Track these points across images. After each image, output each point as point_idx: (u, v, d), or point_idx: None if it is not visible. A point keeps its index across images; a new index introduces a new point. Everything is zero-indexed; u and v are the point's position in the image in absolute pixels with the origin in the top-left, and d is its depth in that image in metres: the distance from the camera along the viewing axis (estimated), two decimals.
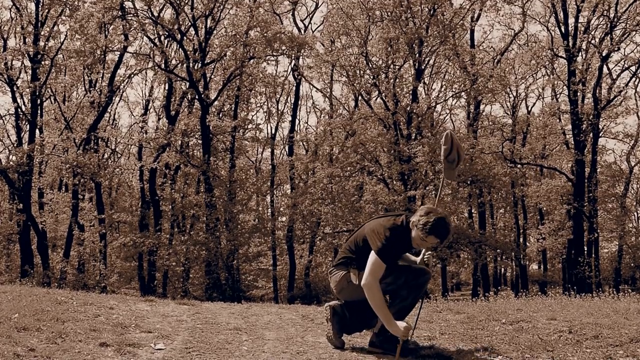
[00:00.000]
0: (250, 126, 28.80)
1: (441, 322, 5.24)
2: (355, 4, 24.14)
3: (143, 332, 4.52)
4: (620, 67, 26.35)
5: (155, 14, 23.63)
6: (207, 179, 24.31)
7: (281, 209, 29.26)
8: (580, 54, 24.96)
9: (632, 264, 30.54)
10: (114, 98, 28.25)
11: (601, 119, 25.86)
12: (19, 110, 25.30)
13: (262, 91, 30.26)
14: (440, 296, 17.58)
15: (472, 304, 7.16)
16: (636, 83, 29.13)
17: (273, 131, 32.31)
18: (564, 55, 25.53)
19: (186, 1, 23.67)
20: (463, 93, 26.22)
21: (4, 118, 31.50)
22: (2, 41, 25.65)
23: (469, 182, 24.68)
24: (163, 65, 25.03)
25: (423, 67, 24.35)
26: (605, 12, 24.52)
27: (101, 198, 26.73)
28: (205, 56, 24.26)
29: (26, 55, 24.31)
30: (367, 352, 4.03)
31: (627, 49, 37.49)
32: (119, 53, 25.19)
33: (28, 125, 24.95)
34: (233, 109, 27.80)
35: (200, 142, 26.18)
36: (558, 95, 30.72)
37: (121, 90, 30.41)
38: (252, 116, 32.25)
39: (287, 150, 31.37)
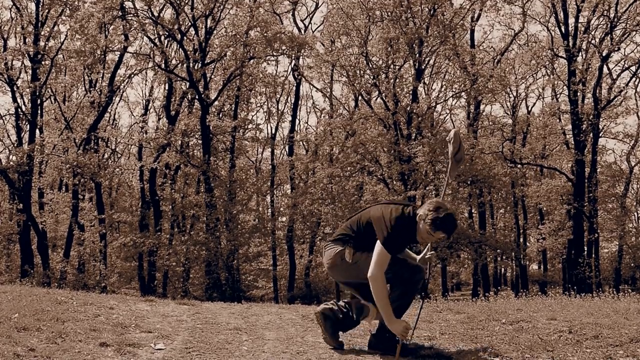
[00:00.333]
0: (250, 126, 28.84)
1: (441, 322, 5.24)
2: (355, 4, 24.14)
3: (143, 332, 4.52)
4: (620, 67, 26.40)
5: (156, 14, 23.64)
6: (207, 179, 24.32)
7: (281, 209, 29.27)
8: (580, 54, 24.96)
9: (632, 264, 30.53)
10: (114, 98, 28.27)
11: (601, 119, 25.87)
12: (19, 110, 25.31)
13: (262, 91, 30.27)
14: (441, 296, 17.60)
15: (472, 304, 7.16)
16: (636, 83, 29.15)
17: (273, 131, 32.36)
18: (564, 55, 25.54)
19: (186, 1, 23.67)
20: (463, 93, 26.23)
21: (4, 118, 31.54)
22: (2, 41, 25.66)
23: (469, 182, 24.68)
24: (163, 65, 25.03)
25: (423, 67, 24.35)
26: (605, 12, 24.53)
27: (101, 198, 26.73)
28: (206, 56, 24.26)
29: (26, 55, 24.32)
30: (366, 353, 4.03)
31: (627, 49, 37.46)
32: (119, 53, 25.21)
33: (28, 125, 24.96)
34: (233, 109, 27.80)
35: (200, 142, 26.18)
36: (558, 95, 30.75)
37: (121, 90, 30.45)
38: (252, 116, 32.31)
39: (287, 150, 31.38)
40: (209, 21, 24.12)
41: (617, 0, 24.03)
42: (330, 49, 26.80)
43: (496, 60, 27.26)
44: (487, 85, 24.14)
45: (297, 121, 31.18)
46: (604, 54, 24.47)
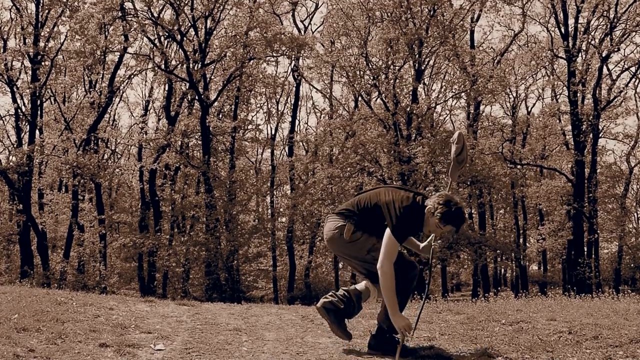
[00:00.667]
0: (250, 127, 28.84)
1: (441, 322, 5.24)
2: (355, 4, 24.13)
3: (143, 333, 4.52)
4: (620, 67, 26.41)
5: (155, 14, 23.64)
6: (207, 180, 24.32)
7: (281, 210, 29.26)
8: (580, 54, 24.97)
9: (632, 265, 30.52)
10: (113, 99, 28.25)
11: (601, 120, 25.88)
12: (19, 110, 25.32)
13: (262, 92, 30.27)
14: (440, 297, 17.57)
15: (472, 305, 7.16)
16: (636, 84, 29.16)
17: (273, 132, 32.36)
18: (563, 56, 25.54)
19: (186, 2, 23.67)
20: (463, 94, 26.21)
21: (4, 118, 31.56)
22: (2, 42, 25.67)
23: (469, 183, 24.68)
24: (163, 66, 25.03)
25: (423, 67, 24.35)
26: (605, 12, 24.54)
27: (101, 199, 26.73)
28: (205, 57, 24.26)
29: (26, 55, 24.32)
30: (366, 354, 4.03)
31: (627, 49, 37.42)
32: (119, 54, 25.20)
33: (28, 126, 24.96)
34: (233, 109, 27.81)
35: (200, 142, 26.18)
36: (558, 96, 30.74)
37: (121, 91, 30.43)
38: (252, 117, 32.32)
39: (287, 150, 31.38)
40: (208, 22, 24.13)
41: (617, 0, 24.04)
42: (330, 49, 26.80)
43: (496, 61, 27.26)
44: (487, 85, 24.14)
45: (297, 122, 31.24)
46: (603, 55, 24.48)
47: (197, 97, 24.63)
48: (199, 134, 25.48)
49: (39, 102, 25.37)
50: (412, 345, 4.09)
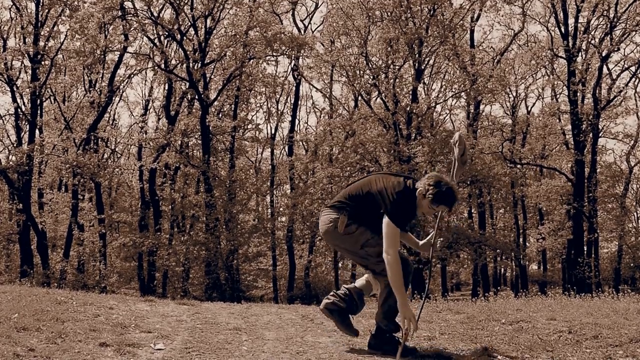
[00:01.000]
0: (250, 126, 28.85)
1: (441, 322, 5.24)
2: (355, 4, 24.12)
3: (143, 332, 4.53)
4: (620, 67, 26.42)
5: (155, 14, 23.63)
6: (206, 179, 24.32)
7: (281, 209, 29.27)
8: (580, 54, 24.97)
9: (631, 264, 30.55)
10: (113, 98, 28.24)
11: (601, 119, 25.88)
12: (19, 110, 25.30)
13: (262, 91, 30.28)
14: (440, 296, 17.56)
15: (472, 304, 7.16)
16: (636, 83, 29.19)
17: (273, 131, 32.37)
18: (563, 56, 25.54)
19: (186, 1, 23.67)
20: (463, 93, 26.21)
21: (3, 118, 31.57)
22: (2, 41, 25.65)
23: (469, 182, 24.68)
24: (163, 66, 25.02)
25: (423, 67, 24.35)
26: (605, 12, 24.53)
27: (101, 198, 26.73)
28: (205, 56, 24.25)
29: (26, 55, 24.31)
30: (366, 353, 4.03)
31: (627, 49, 37.49)
32: (118, 53, 25.19)
33: (28, 125, 24.94)
34: (233, 109, 27.80)
35: (200, 142, 26.18)
36: (558, 96, 30.75)
37: (121, 91, 30.43)
38: (252, 116, 32.30)
39: (286, 150, 31.39)
40: (208, 21, 24.12)
41: (616, 0, 24.04)
42: (330, 49, 26.78)
43: (496, 61, 27.25)
44: (486, 85, 24.12)
45: (296, 121, 31.23)
46: (603, 54, 24.47)
47: (197, 97, 24.62)
48: (199, 133, 25.47)
49: (38, 101, 25.35)
50: (412, 345, 4.09)
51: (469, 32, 27.46)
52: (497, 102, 30.07)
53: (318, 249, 27.92)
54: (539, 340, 4.33)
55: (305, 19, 38.52)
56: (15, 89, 24.72)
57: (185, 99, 27.08)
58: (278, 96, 31.90)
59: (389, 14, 23.97)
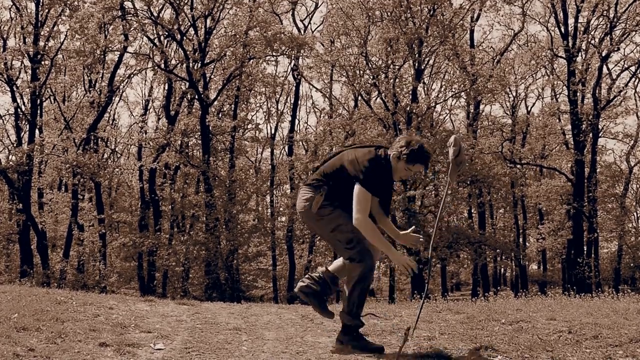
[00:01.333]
0: (249, 126, 28.84)
1: (441, 322, 5.24)
2: (355, 4, 24.12)
3: (142, 332, 4.53)
4: (620, 67, 26.44)
5: (155, 14, 23.63)
6: (206, 179, 24.31)
7: (281, 209, 29.26)
8: (580, 54, 24.97)
9: (631, 264, 30.58)
10: (113, 98, 28.25)
11: (601, 119, 25.89)
12: (19, 110, 25.30)
13: (262, 91, 30.29)
14: (440, 296, 17.57)
15: (472, 304, 7.16)
16: (636, 83, 29.20)
17: (273, 131, 32.37)
18: (563, 56, 25.54)
19: (186, 1, 23.67)
20: (463, 93, 26.21)
21: (3, 118, 31.56)
22: (2, 41, 25.66)
23: (468, 182, 24.68)
24: (163, 65, 25.03)
25: (423, 67, 24.35)
26: (605, 12, 24.54)
27: (101, 198, 26.73)
28: (205, 56, 24.25)
29: (26, 55, 24.31)
30: (367, 354, 4.03)
31: (627, 49, 37.57)
32: (118, 53, 25.19)
33: (28, 125, 24.95)
34: (233, 109, 27.80)
35: (199, 142, 26.18)
36: (558, 96, 30.75)
37: (121, 90, 30.43)
38: (252, 116, 32.29)
39: (286, 150, 31.38)
40: (208, 21, 24.12)
41: (616, 0, 24.05)
42: (329, 49, 26.79)
43: (496, 61, 27.25)
44: (486, 85, 24.13)
45: (296, 121, 31.24)
46: (603, 54, 24.48)
47: (196, 97, 24.62)
48: (199, 133, 25.47)
49: (38, 101, 25.35)
50: (412, 345, 4.09)
51: (468, 32, 27.46)
52: (497, 102, 30.10)
53: (318, 249, 27.92)
54: (539, 340, 4.33)
55: (305, 19, 38.52)
56: (15, 89, 24.73)
57: (185, 98, 27.08)
58: (278, 96, 31.93)
59: (388, 14, 23.97)
